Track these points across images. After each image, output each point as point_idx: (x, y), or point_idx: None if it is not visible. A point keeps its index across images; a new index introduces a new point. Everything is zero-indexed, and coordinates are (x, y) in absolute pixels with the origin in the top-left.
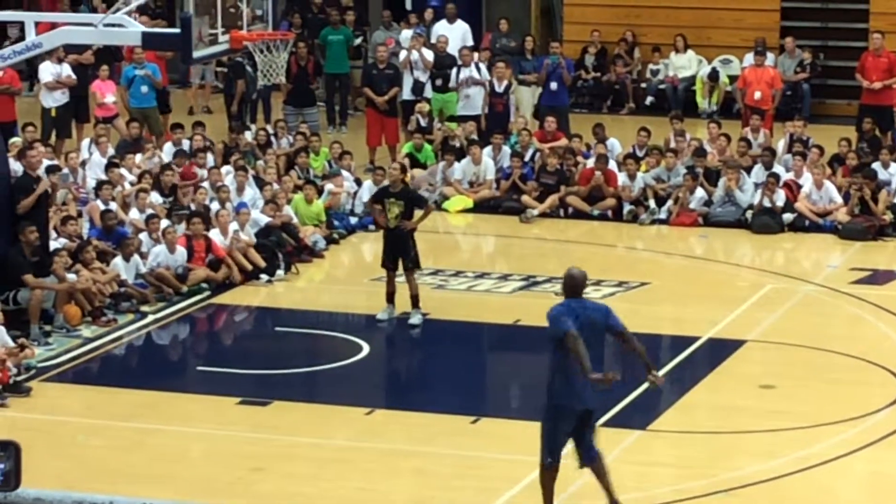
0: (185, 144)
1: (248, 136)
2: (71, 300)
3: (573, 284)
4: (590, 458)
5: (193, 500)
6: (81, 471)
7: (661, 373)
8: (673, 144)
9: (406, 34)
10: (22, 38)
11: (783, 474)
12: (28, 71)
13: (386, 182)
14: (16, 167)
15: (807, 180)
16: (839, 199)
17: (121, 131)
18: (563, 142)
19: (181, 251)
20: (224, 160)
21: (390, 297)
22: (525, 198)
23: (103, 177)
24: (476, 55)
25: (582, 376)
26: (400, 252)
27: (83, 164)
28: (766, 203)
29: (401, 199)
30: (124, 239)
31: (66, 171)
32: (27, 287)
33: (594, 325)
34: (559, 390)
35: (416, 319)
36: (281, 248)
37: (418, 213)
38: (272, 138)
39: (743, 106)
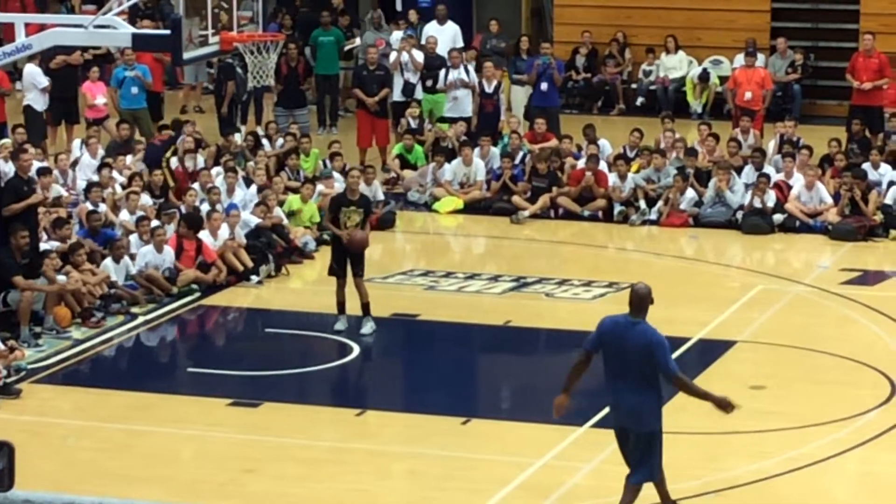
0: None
1: (238, 137)
2: (61, 302)
3: (632, 300)
4: (628, 478)
5: (184, 502)
6: (72, 472)
7: None
8: (663, 145)
9: (396, 35)
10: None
11: (773, 475)
12: None
13: (341, 190)
14: (5, 168)
15: (797, 181)
16: (829, 200)
17: (111, 133)
18: (553, 143)
19: (168, 251)
20: (215, 162)
21: (342, 308)
22: (516, 198)
23: (94, 178)
24: (463, 55)
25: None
26: (353, 260)
27: (73, 165)
28: (757, 204)
29: (360, 206)
30: (114, 241)
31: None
32: (16, 289)
33: (629, 351)
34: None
35: (367, 329)
36: (271, 249)
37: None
38: (265, 140)
39: (733, 107)
